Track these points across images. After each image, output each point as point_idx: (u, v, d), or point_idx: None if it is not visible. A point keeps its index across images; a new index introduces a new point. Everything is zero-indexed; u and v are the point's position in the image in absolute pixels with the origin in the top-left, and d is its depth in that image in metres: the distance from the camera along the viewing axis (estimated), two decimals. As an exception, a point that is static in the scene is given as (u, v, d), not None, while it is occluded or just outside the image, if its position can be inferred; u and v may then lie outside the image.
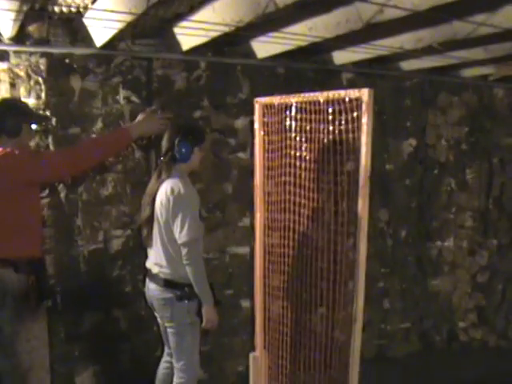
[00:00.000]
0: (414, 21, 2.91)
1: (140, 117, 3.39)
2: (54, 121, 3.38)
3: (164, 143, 3.14)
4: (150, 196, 3.16)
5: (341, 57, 4.03)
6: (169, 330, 3.17)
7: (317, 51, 3.92)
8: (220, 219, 3.96)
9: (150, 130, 3.37)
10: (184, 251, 2.97)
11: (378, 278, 4.66)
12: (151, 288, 3.19)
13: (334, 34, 3.06)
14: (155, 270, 3.15)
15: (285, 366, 3.73)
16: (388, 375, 4.40)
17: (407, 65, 4.36)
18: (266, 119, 3.55)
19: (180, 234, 2.96)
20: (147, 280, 3.25)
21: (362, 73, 4.33)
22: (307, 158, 3.38)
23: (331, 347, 3.38)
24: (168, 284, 3.08)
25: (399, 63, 4.39)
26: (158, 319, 3.29)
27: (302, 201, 3.43)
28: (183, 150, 3.07)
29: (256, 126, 3.61)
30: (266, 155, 3.60)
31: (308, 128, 3.28)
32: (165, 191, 3.03)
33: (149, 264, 3.23)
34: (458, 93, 4.80)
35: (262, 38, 3.49)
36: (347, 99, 2.91)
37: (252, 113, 3.68)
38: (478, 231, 5.07)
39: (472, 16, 2.87)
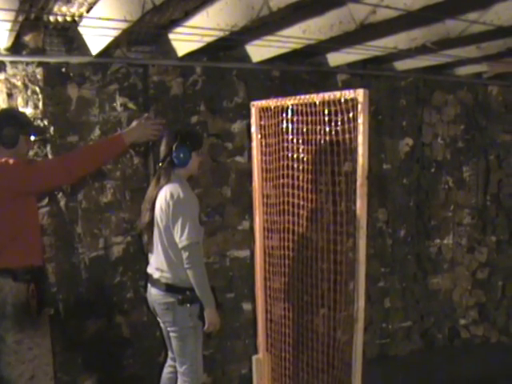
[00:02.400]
0: (406, 21, 2.94)
1: (134, 123, 3.38)
2: (51, 130, 3.39)
3: (162, 149, 3.17)
4: (149, 202, 3.18)
5: (335, 58, 4.05)
6: (171, 335, 3.19)
7: (311, 53, 3.94)
8: (219, 223, 3.97)
9: (144, 135, 3.35)
10: (185, 255, 2.98)
11: (379, 278, 4.67)
12: (153, 293, 3.20)
13: (328, 36, 3.08)
14: (156, 275, 3.16)
15: (288, 368, 3.74)
16: (391, 374, 4.40)
17: (401, 64, 4.38)
18: (262, 122, 3.57)
19: (180, 238, 2.97)
20: (149, 285, 3.26)
21: (357, 74, 4.35)
22: (305, 159, 3.39)
23: (333, 347, 3.39)
24: (169, 288, 3.09)
25: (393, 63, 4.41)
26: (161, 324, 3.30)
27: (301, 202, 3.44)
28: (181, 156, 3.10)
29: (253, 129, 3.63)
30: (264, 158, 3.62)
31: (305, 130, 3.30)
32: (164, 196, 3.05)
33: (150, 269, 3.25)
34: (453, 91, 4.82)
35: (257, 42, 3.51)
36: (343, 100, 2.93)
37: (248, 116, 3.71)
38: (477, 228, 5.09)
39: (464, 14, 2.89)
